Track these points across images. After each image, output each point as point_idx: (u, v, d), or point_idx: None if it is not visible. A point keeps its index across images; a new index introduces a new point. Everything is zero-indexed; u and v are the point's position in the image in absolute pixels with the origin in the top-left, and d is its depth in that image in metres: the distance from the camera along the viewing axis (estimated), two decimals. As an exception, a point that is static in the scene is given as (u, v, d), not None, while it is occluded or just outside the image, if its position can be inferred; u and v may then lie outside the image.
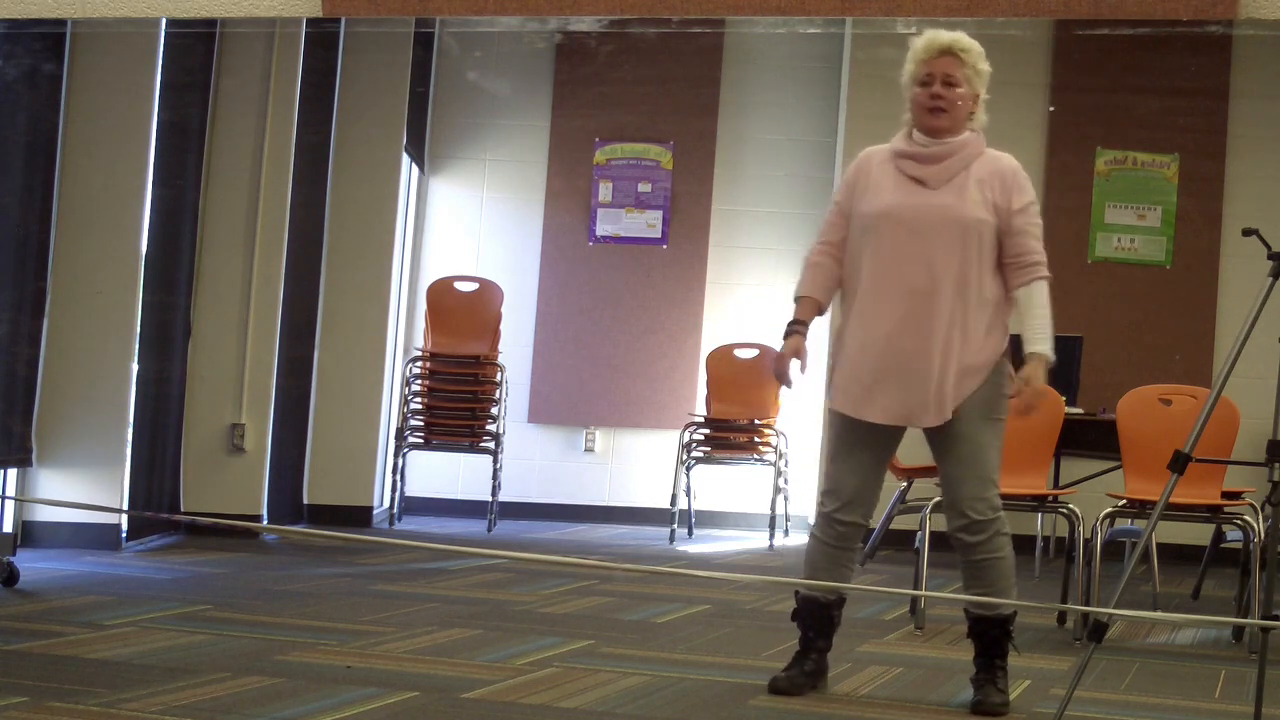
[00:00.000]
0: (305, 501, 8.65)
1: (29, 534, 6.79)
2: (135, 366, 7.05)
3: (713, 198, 9.85)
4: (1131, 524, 6.46)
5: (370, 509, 8.79)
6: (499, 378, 9.21)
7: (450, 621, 5.38)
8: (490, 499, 9.12)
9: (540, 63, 9.91)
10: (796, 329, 4.41)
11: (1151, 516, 4.15)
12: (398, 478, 9.11)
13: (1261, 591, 5.08)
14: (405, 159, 9.24)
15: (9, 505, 6.67)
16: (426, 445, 9.23)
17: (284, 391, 8.19)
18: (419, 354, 9.26)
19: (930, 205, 4.24)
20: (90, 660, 4.33)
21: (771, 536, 8.94)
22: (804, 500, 9.39)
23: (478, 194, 9.95)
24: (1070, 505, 5.96)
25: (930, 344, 4.21)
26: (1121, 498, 5.78)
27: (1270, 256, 3.92)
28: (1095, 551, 5.68)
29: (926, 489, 6.38)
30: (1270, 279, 3.89)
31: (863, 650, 5.15)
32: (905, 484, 7.52)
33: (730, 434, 9.22)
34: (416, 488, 9.56)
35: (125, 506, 7.03)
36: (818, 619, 4.44)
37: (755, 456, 9.17)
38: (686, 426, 9.16)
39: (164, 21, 6.71)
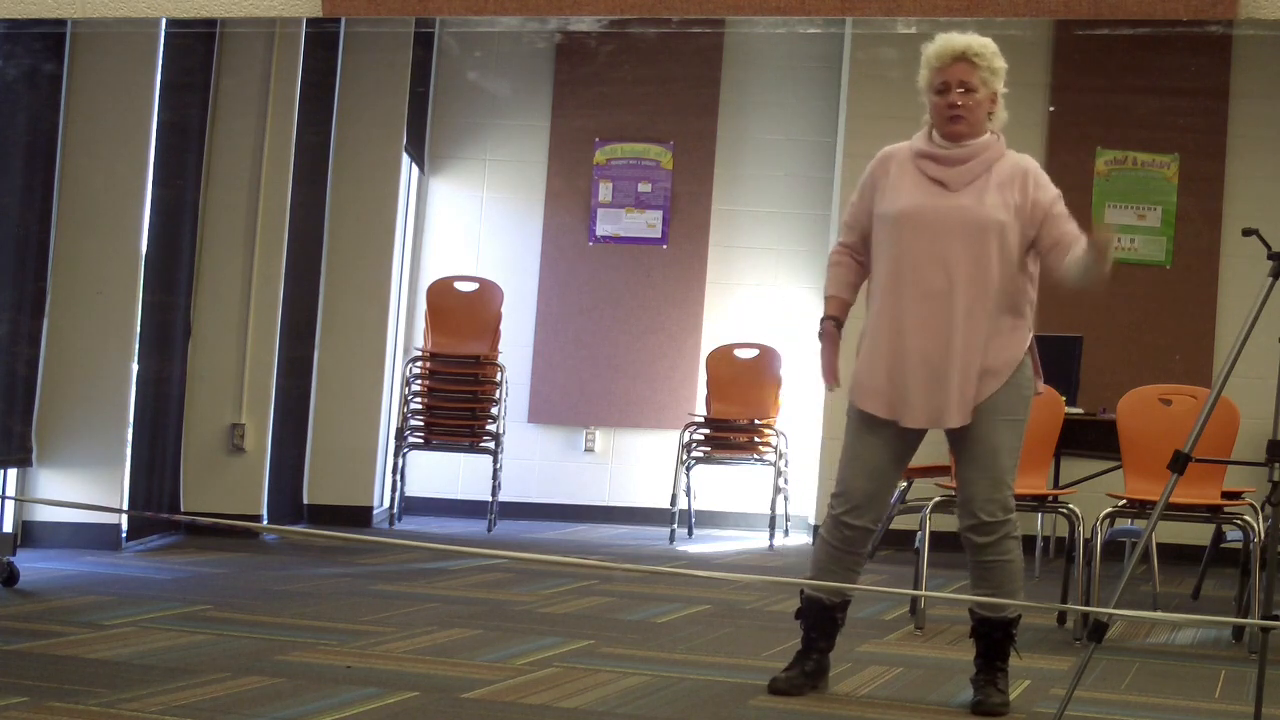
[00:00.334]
0: (305, 501, 8.64)
1: (29, 534, 6.79)
2: (135, 366, 7.05)
3: (713, 198, 9.85)
4: (1131, 524, 6.46)
5: (370, 509, 8.79)
6: (499, 378, 9.21)
7: (450, 621, 5.38)
8: (490, 499, 9.12)
9: (540, 63, 9.91)
10: (828, 323, 4.45)
11: (1151, 516, 4.15)
12: (398, 478, 9.11)
13: (1261, 591, 5.08)
14: (405, 159, 9.24)
15: (9, 505, 6.67)
16: (426, 445, 9.23)
17: (284, 391, 8.19)
18: (419, 354, 9.26)
19: (951, 207, 4.24)
20: (90, 660, 4.33)
21: (771, 536, 8.94)
22: (804, 500, 9.39)
23: (478, 194, 9.95)
24: (1070, 505, 5.96)
25: (950, 346, 4.20)
26: (1121, 498, 5.78)
27: (1270, 256, 3.92)
28: (1095, 551, 5.68)
29: (927, 489, 6.38)
30: (1270, 279, 3.89)
31: (863, 650, 5.15)
32: (905, 484, 7.52)
33: (730, 434, 9.22)
34: (416, 488, 9.56)
35: (125, 506, 7.03)
36: (821, 620, 4.44)
37: (755, 456, 9.17)
38: (686, 426, 9.16)
39: (164, 21, 6.71)
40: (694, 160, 9.83)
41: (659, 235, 9.82)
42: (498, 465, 9.14)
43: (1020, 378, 4.28)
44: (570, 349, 9.78)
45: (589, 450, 9.84)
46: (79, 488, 6.74)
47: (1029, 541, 7.80)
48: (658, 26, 8.94)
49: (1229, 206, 9.11)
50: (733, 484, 9.65)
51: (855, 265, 4.46)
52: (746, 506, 9.60)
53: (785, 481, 9.12)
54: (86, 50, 6.74)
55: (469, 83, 9.89)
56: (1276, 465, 3.89)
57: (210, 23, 6.92)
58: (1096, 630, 3.88)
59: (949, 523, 4.54)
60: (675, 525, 8.98)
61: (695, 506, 9.35)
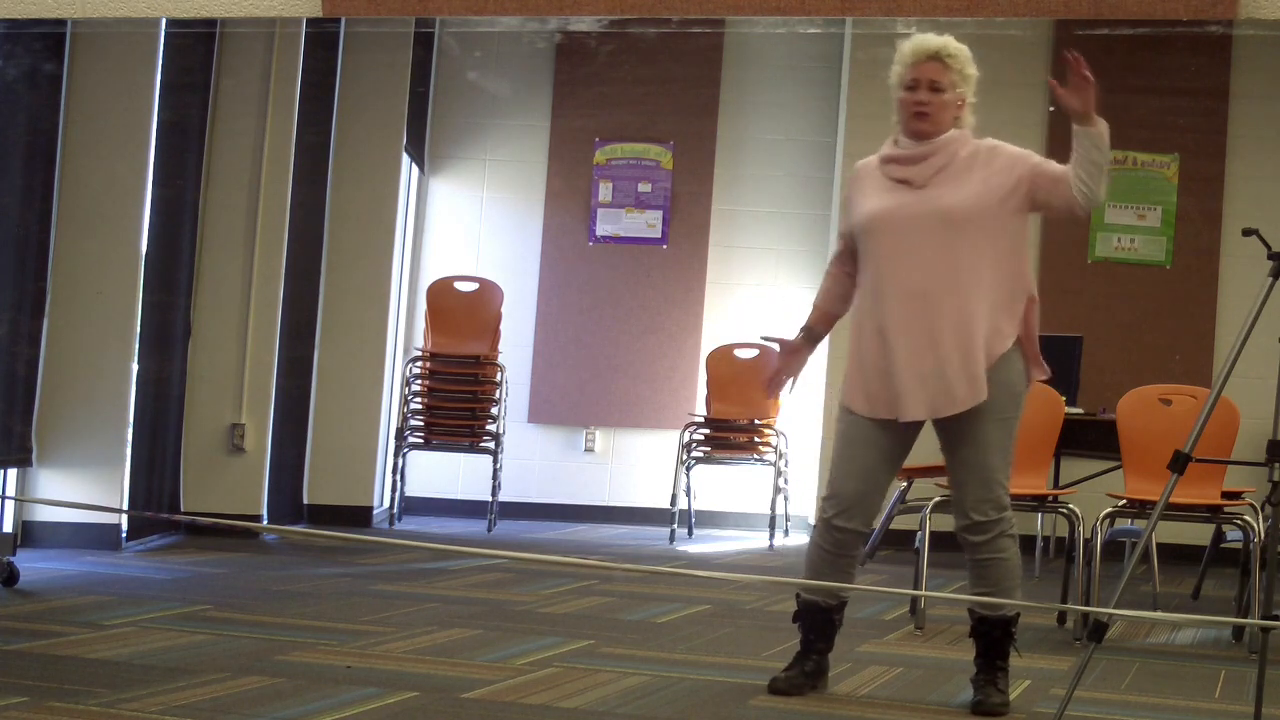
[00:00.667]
0: (305, 501, 8.64)
1: (29, 534, 6.79)
2: (135, 366, 7.05)
3: (713, 198, 9.86)
4: (1131, 524, 6.46)
5: (370, 509, 8.79)
6: (499, 378, 9.21)
7: (450, 621, 5.38)
8: (490, 499, 9.12)
9: (540, 63, 9.91)
10: (800, 333, 4.58)
11: (1151, 516, 4.15)
12: (398, 478, 9.11)
13: (1261, 591, 5.08)
14: (405, 159, 9.24)
15: (9, 505, 6.67)
16: (426, 445, 9.23)
17: (284, 391, 8.19)
18: (419, 354, 9.26)
19: (918, 204, 4.24)
20: (90, 660, 4.33)
21: (771, 536, 8.94)
22: (804, 500, 9.39)
23: (478, 194, 9.95)
24: (1070, 505, 5.95)
25: (939, 335, 4.19)
26: (1121, 498, 5.78)
27: (1270, 256, 3.92)
28: (1095, 551, 5.68)
29: (926, 489, 6.37)
30: (1270, 279, 3.89)
31: (863, 650, 5.15)
32: (905, 484, 7.51)
33: (730, 434, 9.22)
34: (416, 488, 9.56)
35: (125, 506, 7.03)
36: (818, 623, 4.44)
37: (755, 456, 9.17)
38: (686, 426, 9.16)
39: (164, 21, 6.71)
40: (694, 160, 9.84)
41: (659, 235, 9.82)
42: (498, 465, 9.14)
43: (1009, 375, 4.26)
44: (570, 349, 9.78)
45: (589, 450, 9.84)
46: (79, 488, 6.74)
47: (1029, 541, 7.80)
48: (658, 26, 8.94)
49: (1229, 206, 9.11)
50: (733, 484, 9.65)
51: (844, 277, 4.49)
52: (746, 506, 9.60)
53: (785, 481, 9.12)
54: (86, 50, 6.74)
55: (469, 83, 9.90)
56: (1276, 465, 3.89)
57: (210, 23, 6.92)
58: (1096, 630, 3.88)
59: (949, 523, 4.53)
60: (675, 525, 8.99)
61: (695, 506, 9.35)
